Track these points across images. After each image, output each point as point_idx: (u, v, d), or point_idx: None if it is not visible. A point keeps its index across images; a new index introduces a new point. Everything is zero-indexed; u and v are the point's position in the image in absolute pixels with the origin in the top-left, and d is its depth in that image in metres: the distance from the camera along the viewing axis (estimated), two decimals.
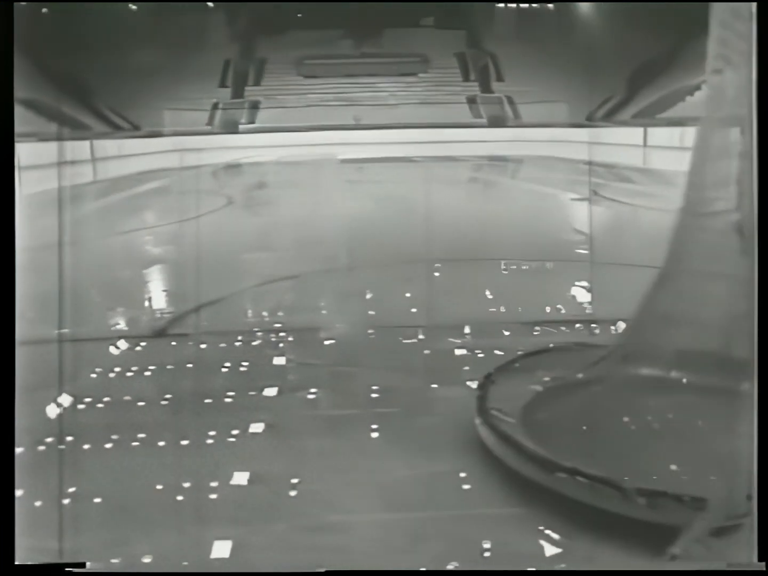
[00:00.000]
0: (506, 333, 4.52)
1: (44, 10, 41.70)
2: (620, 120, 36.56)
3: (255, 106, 43.50)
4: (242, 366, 4.27)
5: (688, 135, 4.52)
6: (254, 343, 4.74)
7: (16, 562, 2.81)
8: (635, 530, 2.48)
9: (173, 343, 4.69)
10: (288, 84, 44.99)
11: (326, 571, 2.93)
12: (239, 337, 4.82)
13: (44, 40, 38.08)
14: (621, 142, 28.95)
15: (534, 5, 46.50)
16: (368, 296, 5.74)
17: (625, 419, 2.95)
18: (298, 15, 45.98)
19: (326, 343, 4.78)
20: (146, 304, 5.72)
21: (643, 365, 3.25)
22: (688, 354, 3.12)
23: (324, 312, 5.33)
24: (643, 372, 3.25)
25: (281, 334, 4.87)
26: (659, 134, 27.97)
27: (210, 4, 46.08)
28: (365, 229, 8.29)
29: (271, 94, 44.15)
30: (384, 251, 6.17)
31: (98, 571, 3.03)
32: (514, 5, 47.07)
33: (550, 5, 45.99)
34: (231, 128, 40.92)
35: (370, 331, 4.98)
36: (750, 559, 2.58)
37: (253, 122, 42.11)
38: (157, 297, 5.94)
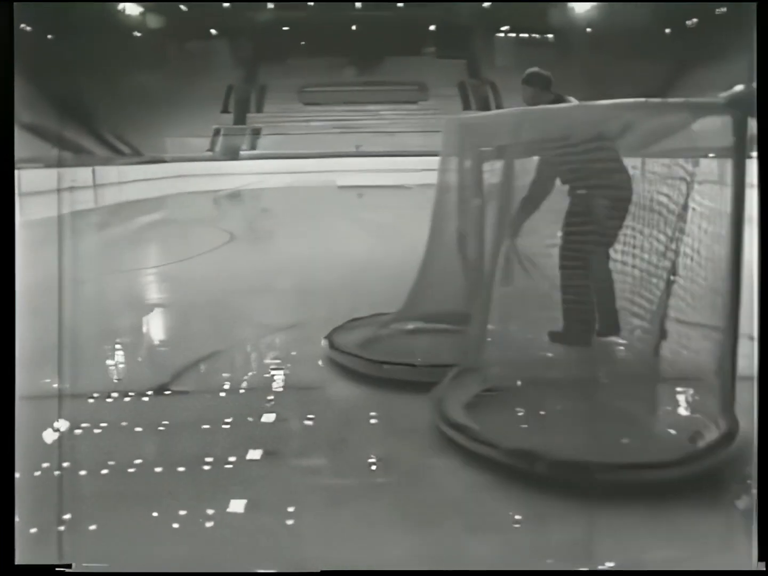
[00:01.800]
0: None
1: (49, 36, 42.11)
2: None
3: (256, 133, 43.77)
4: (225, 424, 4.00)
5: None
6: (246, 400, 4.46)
7: (16, 562, 2.85)
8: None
9: (173, 401, 4.47)
10: (289, 111, 45.29)
11: (325, 571, 2.92)
12: (240, 391, 4.61)
13: (48, 66, 38.41)
14: None
15: (535, 35, 46.98)
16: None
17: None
18: (301, 43, 46.44)
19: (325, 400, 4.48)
20: (144, 356, 5.45)
21: (409, 321, 5.35)
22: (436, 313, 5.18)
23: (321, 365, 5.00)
24: (408, 326, 5.36)
25: (278, 390, 4.64)
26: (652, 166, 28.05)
27: (213, 31, 46.57)
28: (366, 271, 8.13)
29: (272, 120, 44.43)
30: (383, 298, 5.94)
31: (98, 571, 3.03)
32: (513, 35, 47.59)
33: (550, 35, 46.48)
34: (232, 155, 41.11)
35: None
36: (750, 559, 2.60)
37: (254, 149, 42.34)
38: (156, 348, 5.69)
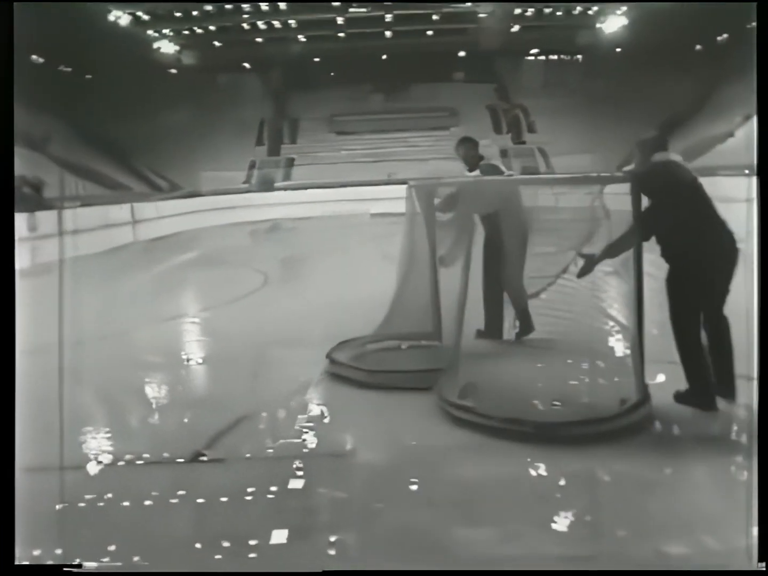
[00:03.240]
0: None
1: (88, 76, 43.19)
2: None
3: (290, 164, 44.28)
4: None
5: (718, 185, 4.55)
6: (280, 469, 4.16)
7: (16, 562, 2.90)
8: None
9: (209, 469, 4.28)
10: (322, 141, 45.78)
11: (326, 571, 2.95)
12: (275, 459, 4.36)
13: (85, 105, 39.32)
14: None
15: (564, 57, 47.05)
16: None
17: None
18: (332, 74, 47.05)
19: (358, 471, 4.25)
20: (182, 419, 5.17)
21: (384, 340, 6.24)
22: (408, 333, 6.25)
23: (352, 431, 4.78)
24: (382, 344, 6.22)
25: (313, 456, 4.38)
26: None
27: (245, 64, 47.37)
28: None
29: (305, 151, 44.93)
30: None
31: (97, 571, 3.06)
32: (543, 57, 47.74)
33: (579, 56, 46.53)
34: (267, 186, 41.61)
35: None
36: (750, 559, 2.66)
37: (288, 179, 42.83)
38: (190, 409, 5.39)
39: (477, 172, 6.57)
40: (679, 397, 4.72)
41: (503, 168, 6.79)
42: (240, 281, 11.67)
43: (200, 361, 6.87)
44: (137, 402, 5.58)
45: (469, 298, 5.13)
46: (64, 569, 3.00)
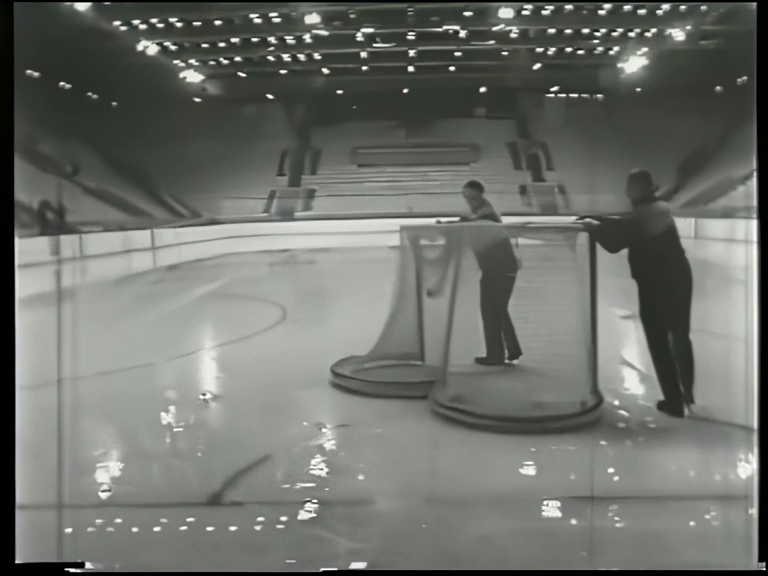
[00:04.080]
0: None
1: (114, 103, 43.89)
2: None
3: (310, 195, 44.62)
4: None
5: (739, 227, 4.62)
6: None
7: (16, 562, 2.90)
8: None
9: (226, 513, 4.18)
10: (342, 173, 46.13)
11: (326, 571, 2.92)
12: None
13: (111, 132, 39.89)
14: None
15: (584, 95, 47.30)
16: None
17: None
18: (353, 107, 47.52)
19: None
20: (198, 460, 5.11)
21: (379, 360, 7.08)
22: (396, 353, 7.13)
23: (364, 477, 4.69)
24: (379, 362, 7.06)
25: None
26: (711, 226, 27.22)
27: (269, 96, 47.97)
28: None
29: (326, 182, 45.27)
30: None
31: (97, 571, 3.05)
32: (564, 95, 48.01)
33: (599, 95, 46.78)
34: (287, 216, 41.90)
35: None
36: (750, 559, 2.63)
37: (308, 210, 43.12)
38: (206, 451, 5.29)
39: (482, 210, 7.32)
40: (660, 405, 5.65)
41: (499, 216, 7.26)
42: (258, 315, 11.51)
43: (214, 399, 6.71)
44: (148, 439, 5.51)
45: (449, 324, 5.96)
46: (65, 569, 3.00)
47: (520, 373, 6.75)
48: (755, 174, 3.07)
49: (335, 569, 3.00)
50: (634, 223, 5.56)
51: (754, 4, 3.22)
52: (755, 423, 3.15)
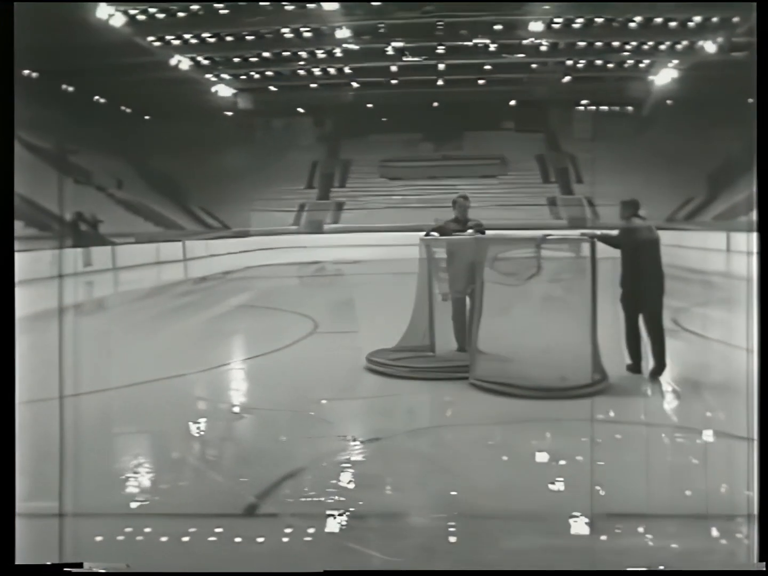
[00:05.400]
0: None
1: (146, 117, 44.48)
2: (702, 222, 35.91)
3: (339, 207, 44.79)
4: None
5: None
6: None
7: (16, 562, 2.95)
8: None
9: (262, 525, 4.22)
10: (371, 185, 46.25)
11: (326, 571, 2.95)
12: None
13: (144, 144, 40.39)
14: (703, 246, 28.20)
15: (614, 108, 47.07)
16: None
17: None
18: (383, 120, 47.70)
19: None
20: (235, 473, 5.08)
21: (404, 351, 8.20)
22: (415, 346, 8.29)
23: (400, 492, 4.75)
24: (405, 353, 8.15)
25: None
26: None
27: (300, 109, 48.32)
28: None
29: (355, 195, 45.41)
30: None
31: (97, 571, 3.09)
32: (593, 108, 47.79)
33: (629, 107, 46.52)
34: (316, 228, 42.07)
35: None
36: (750, 559, 2.62)
37: (337, 222, 43.27)
38: (240, 461, 5.36)
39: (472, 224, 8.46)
40: (627, 367, 7.43)
41: (483, 227, 8.31)
42: (289, 328, 11.45)
43: (243, 412, 6.69)
44: (181, 450, 5.56)
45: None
46: (65, 569, 3.04)
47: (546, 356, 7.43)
48: (755, 175, 3.09)
49: (336, 569, 3.03)
50: (624, 232, 7.36)
51: (754, 4, 3.25)
52: (755, 424, 3.15)
